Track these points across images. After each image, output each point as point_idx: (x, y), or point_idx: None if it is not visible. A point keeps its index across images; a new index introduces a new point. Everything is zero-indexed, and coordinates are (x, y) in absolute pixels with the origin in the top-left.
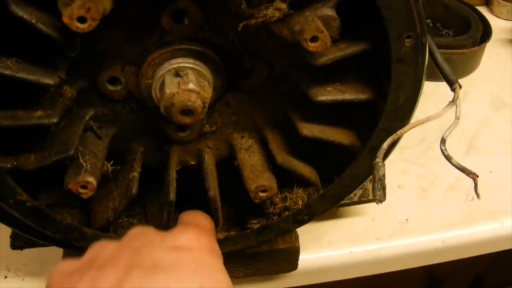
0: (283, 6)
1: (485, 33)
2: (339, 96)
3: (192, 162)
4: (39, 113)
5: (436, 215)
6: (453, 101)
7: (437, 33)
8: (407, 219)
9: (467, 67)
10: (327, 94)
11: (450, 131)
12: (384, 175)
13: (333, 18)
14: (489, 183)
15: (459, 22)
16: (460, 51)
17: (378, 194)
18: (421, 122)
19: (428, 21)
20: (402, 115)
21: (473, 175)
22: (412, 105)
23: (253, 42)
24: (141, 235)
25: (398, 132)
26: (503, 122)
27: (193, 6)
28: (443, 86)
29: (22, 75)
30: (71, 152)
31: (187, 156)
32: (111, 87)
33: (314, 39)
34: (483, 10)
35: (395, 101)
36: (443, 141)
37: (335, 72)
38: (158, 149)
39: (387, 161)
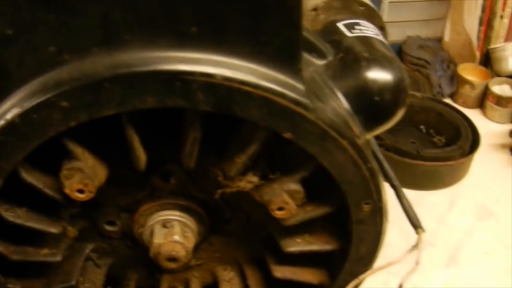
0: (255, 179)
1: (474, 142)
2: (306, 247)
3: None
4: (45, 251)
5: None
6: (416, 246)
7: (429, 139)
8: None
9: (455, 177)
10: (296, 246)
11: (408, 277)
12: None
13: (298, 191)
14: None
15: (450, 130)
16: (448, 163)
17: None
18: (383, 267)
19: (422, 127)
20: (365, 262)
21: None
22: (373, 254)
23: (232, 197)
24: None
25: (360, 277)
26: (487, 232)
27: (179, 169)
28: (431, 194)
29: (30, 224)
30: (73, 282)
31: (176, 282)
32: (108, 228)
33: (280, 208)
34: (477, 112)
35: (357, 252)
36: (400, 287)
37: (305, 224)
38: (150, 275)
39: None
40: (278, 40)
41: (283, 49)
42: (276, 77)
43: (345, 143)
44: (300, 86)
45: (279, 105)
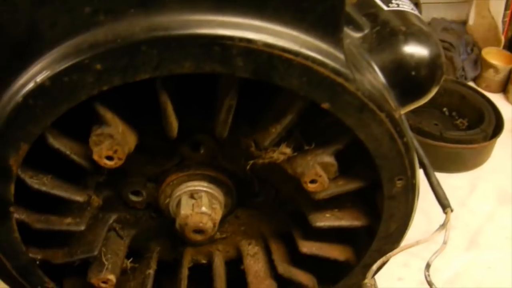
0: (288, 150)
1: (497, 126)
2: (335, 223)
3: (203, 261)
4: (68, 220)
5: None
6: (444, 225)
7: (451, 121)
8: None
9: (478, 160)
10: (325, 220)
11: (436, 256)
12: None
13: (332, 164)
14: (486, 279)
15: (473, 113)
16: (471, 146)
17: None
18: (410, 246)
19: (445, 109)
20: (393, 239)
21: None
22: (402, 232)
23: (262, 169)
24: None
25: (388, 255)
26: (508, 216)
27: (209, 139)
28: (453, 177)
29: (56, 192)
30: (95, 253)
31: (199, 256)
32: (133, 198)
33: (313, 181)
34: (499, 97)
35: (387, 229)
36: (427, 266)
37: (335, 199)
38: (173, 248)
39: None
40: (321, 7)
41: (325, 17)
42: (317, 45)
43: (382, 116)
44: (341, 56)
45: (320, 74)
